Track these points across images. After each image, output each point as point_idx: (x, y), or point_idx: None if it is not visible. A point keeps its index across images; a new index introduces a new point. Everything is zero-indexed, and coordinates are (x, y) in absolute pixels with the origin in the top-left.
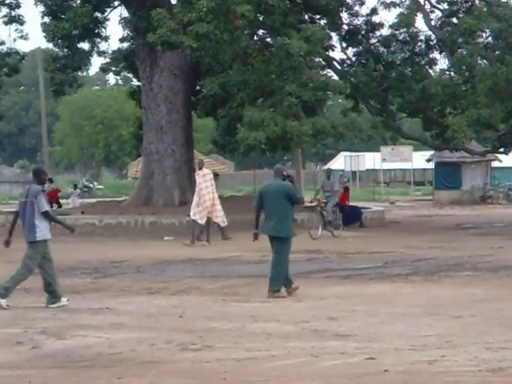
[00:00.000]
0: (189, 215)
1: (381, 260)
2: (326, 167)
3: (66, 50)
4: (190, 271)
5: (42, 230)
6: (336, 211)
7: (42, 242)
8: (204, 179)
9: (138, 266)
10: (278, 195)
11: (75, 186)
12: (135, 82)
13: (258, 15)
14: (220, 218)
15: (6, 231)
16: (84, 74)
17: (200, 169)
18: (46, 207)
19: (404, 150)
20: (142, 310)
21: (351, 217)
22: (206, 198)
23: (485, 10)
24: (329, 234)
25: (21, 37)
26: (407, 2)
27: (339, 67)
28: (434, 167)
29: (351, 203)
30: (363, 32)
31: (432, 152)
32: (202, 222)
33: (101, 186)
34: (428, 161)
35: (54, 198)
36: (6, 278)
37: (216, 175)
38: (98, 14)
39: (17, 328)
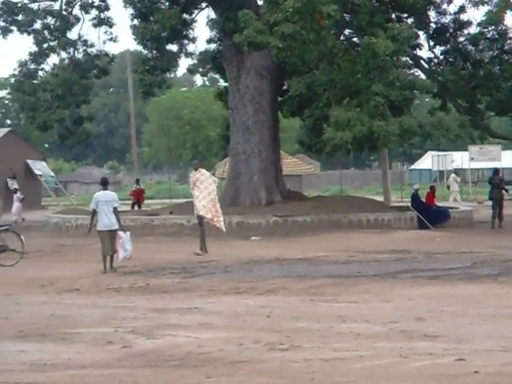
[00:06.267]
0: (274, 215)
1: (469, 260)
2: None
3: (154, 52)
4: (276, 271)
5: None
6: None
7: None
8: (200, 180)
9: (226, 266)
10: None
11: (16, 190)
12: (222, 83)
13: (345, 15)
14: (222, 222)
15: (95, 230)
16: (172, 75)
17: (196, 169)
18: None
19: (493, 149)
20: (230, 309)
21: (438, 217)
22: (205, 194)
23: None
24: None
25: (110, 39)
26: (496, 0)
27: (426, 66)
28: None
29: (439, 203)
30: (451, 30)
31: None
32: (208, 216)
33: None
34: None
35: (140, 197)
36: None
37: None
38: (186, 16)
39: (107, 327)
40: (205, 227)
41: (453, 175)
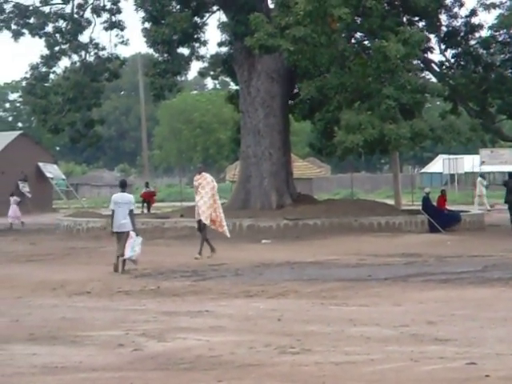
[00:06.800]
0: (285, 218)
1: (480, 264)
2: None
3: (165, 55)
4: (287, 274)
5: None
6: None
7: None
8: (202, 185)
9: (237, 269)
10: None
11: (12, 193)
12: (233, 86)
13: (356, 18)
14: (225, 227)
15: (106, 233)
16: (183, 78)
17: (199, 173)
18: None
19: (504, 152)
20: (241, 312)
21: (449, 221)
22: (206, 199)
23: None
24: None
25: (121, 42)
26: (507, 3)
27: (438, 69)
28: None
29: (450, 207)
30: (462, 34)
31: None
32: (207, 222)
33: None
34: None
35: (151, 199)
36: None
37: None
38: (197, 19)
39: (118, 330)
40: (206, 231)
41: (479, 179)
